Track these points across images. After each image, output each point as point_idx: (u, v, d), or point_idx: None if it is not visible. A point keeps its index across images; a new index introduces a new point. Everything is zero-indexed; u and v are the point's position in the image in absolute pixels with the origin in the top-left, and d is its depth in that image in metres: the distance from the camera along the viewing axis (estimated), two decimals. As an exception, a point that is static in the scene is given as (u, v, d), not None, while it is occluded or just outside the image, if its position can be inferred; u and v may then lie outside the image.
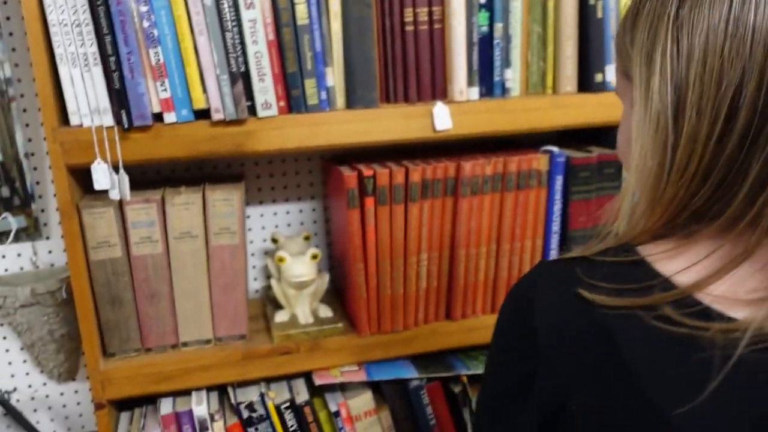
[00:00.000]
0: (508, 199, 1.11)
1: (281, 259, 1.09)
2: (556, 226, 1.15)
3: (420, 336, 1.13)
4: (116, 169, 0.95)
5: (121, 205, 1.00)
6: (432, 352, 1.15)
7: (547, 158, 1.12)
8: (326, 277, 1.14)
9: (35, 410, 1.24)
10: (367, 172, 1.04)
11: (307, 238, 1.21)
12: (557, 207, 1.14)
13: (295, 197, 1.28)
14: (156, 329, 1.06)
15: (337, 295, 1.23)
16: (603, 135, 1.21)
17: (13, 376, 1.22)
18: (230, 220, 1.04)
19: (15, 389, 1.22)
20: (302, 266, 1.09)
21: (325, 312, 1.14)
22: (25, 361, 1.22)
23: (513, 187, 1.11)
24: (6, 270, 1.18)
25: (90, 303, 1.01)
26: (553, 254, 1.16)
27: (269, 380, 1.12)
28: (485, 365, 0.62)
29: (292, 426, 1.07)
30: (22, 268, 1.18)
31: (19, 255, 1.18)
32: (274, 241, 1.20)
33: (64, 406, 1.25)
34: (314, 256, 1.10)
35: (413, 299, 1.11)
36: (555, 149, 1.13)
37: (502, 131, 1.08)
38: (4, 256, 1.17)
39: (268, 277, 1.30)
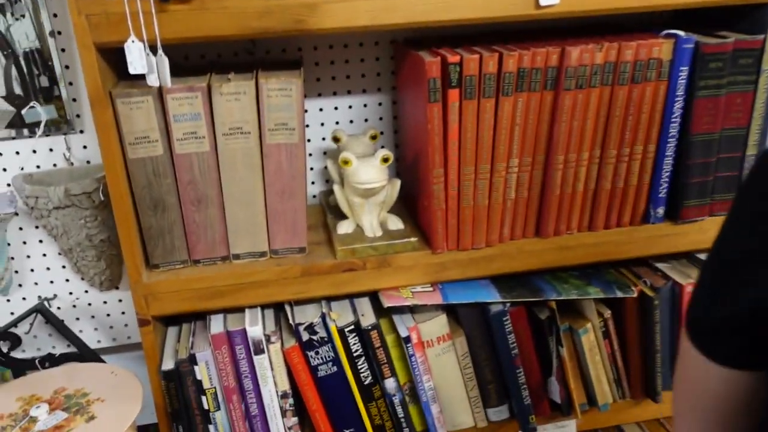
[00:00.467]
0: (619, 94, 0.91)
1: (346, 162, 0.93)
2: (674, 130, 0.95)
3: (504, 254, 0.98)
4: (154, 49, 0.79)
5: (161, 93, 0.84)
6: (517, 273, 1.00)
7: (671, 44, 0.91)
8: (397, 184, 0.98)
9: (77, 319, 1.15)
10: (452, 58, 0.85)
11: (374, 138, 1.04)
12: (678, 105, 0.94)
13: (360, 89, 1.10)
14: (204, 239, 0.93)
15: (408, 205, 1.08)
16: (735, 16, 0.98)
17: (52, 282, 1.12)
18: (288, 114, 0.87)
19: (55, 296, 1.12)
20: (371, 170, 0.93)
21: (395, 224, 0.99)
22: (64, 267, 1.11)
23: (627, 80, 0.91)
24: (38, 167, 1.05)
25: (129, 207, 0.87)
26: (668, 164, 0.97)
27: (331, 299, 1.00)
28: (717, 236, 0.56)
29: (356, 350, 0.95)
30: (55, 165, 1.05)
31: (51, 150, 1.05)
32: (336, 140, 1.04)
33: (108, 315, 1.16)
34: (385, 159, 0.93)
35: (499, 212, 0.95)
36: (681, 33, 0.91)
37: (621, 7, 0.87)
38: (35, 151, 1.04)
39: (327, 181, 1.15)
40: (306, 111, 1.10)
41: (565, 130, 0.92)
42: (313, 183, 1.15)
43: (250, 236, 0.94)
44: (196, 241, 0.93)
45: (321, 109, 1.10)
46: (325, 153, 1.13)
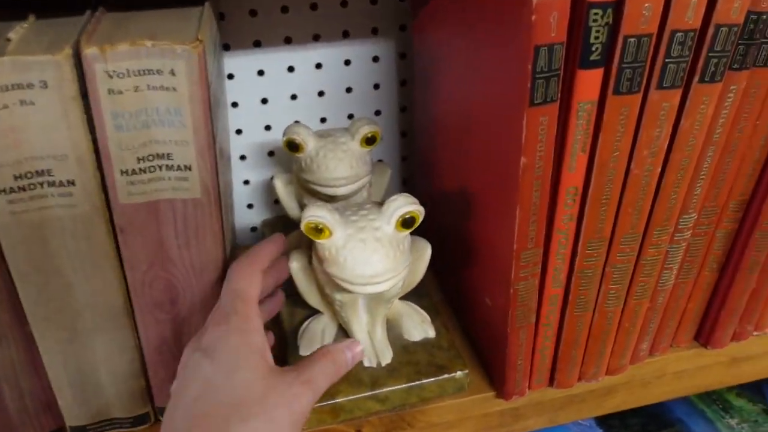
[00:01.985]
0: None
1: (296, 145, 0.46)
2: None
3: (634, 382, 0.50)
4: None
5: None
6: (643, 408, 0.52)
7: None
8: (427, 250, 0.46)
9: None
10: (598, -11, 0.32)
11: (369, 141, 0.51)
12: None
13: (337, 32, 0.56)
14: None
15: (442, 285, 0.57)
16: None
17: None
18: (172, 133, 0.34)
19: None
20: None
21: (419, 328, 0.48)
22: None
23: None
24: None
25: None
26: None
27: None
28: None
29: None
30: None
31: None
32: (293, 147, 0.50)
33: None
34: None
35: (641, 317, 0.46)
36: None
37: None
38: None
39: (277, 202, 0.62)
40: (230, 78, 0.55)
41: (809, 150, 0.41)
42: (250, 207, 0.62)
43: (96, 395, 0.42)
44: (-18, 410, 0.41)
45: (261, 73, 0.56)
46: (271, 154, 0.60)
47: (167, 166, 0.35)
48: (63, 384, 0.41)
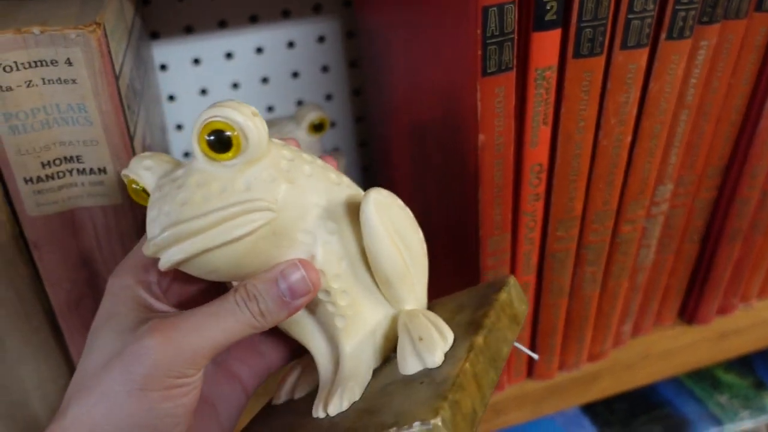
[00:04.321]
0: None
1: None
2: None
3: (618, 366, 0.46)
4: None
5: None
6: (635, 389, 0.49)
7: None
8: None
9: None
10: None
11: (317, 128, 0.47)
12: None
13: (275, 10, 0.51)
14: None
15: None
16: None
17: None
18: (76, 132, 0.30)
19: None
20: None
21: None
22: None
23: None
24: None
25: None
26: None
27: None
28: None
29: None
30: None
31: None
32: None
33: None
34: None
35: (620, 298, 0.42)
36: None
37: None
38: None
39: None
40: (163, 69, 0.51)
41: (788, 106, 0.38)
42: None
43: None
44: None
45: (197, 62, 0.51)
46: (217, 147, 0.55)
47: (78, 170, 0.31)
48: (-10, 419, 0.37)
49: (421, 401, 0.24)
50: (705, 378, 0.54)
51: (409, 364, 0.26)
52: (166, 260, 0.23)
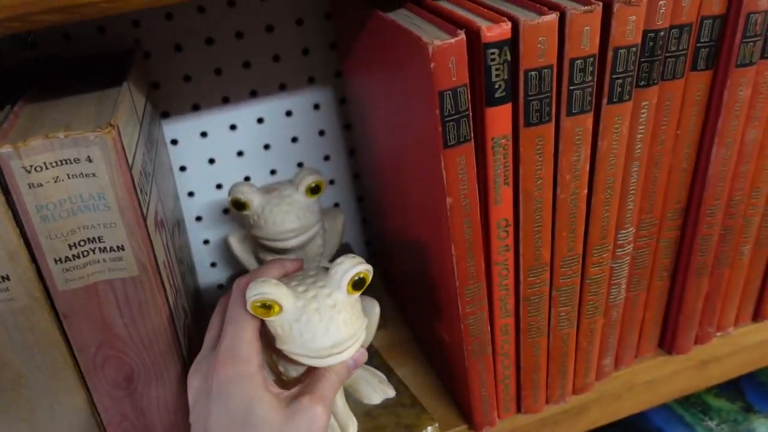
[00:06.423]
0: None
1: (243, 204, 0.47)
2: None
3: (604, 398, 0.50)
4: None
5: None
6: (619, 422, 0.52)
7: None
8: (375, 309, 0.46)
9: None
10: (489, 29, 0.33)
11: (314, 190, 0.52)
12: None
13: (273, 84, 0.57)
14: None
15: (407, 320, 0.57)
16: None
17: None
18: (98, 218, 0.35)
19: None
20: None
21: (381, 393, 0.48)
22: None
23: None
24: None
25: None
26: None
27: None
28: None
29: None
30: None
31: None
32: (239, 205, 0.51)
33: None
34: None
35: (598, 335, 0.46)
36: None
37: None
38: None
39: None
40: (174, 143, 0.56)
41: (735, 141, 0.42)
42: (214, 265, 0.63)
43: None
44: None
45: (204, 135, 0.57)
46: (226, 212, 0.60)
47: (100, 248, 0.36)
48: (28, 474, 0.41)
49: (411, 416, 0.39)
50: (695, 404, 0.56)
51: (376, 398, 0.44)
52: (338, 359, 0.36)
